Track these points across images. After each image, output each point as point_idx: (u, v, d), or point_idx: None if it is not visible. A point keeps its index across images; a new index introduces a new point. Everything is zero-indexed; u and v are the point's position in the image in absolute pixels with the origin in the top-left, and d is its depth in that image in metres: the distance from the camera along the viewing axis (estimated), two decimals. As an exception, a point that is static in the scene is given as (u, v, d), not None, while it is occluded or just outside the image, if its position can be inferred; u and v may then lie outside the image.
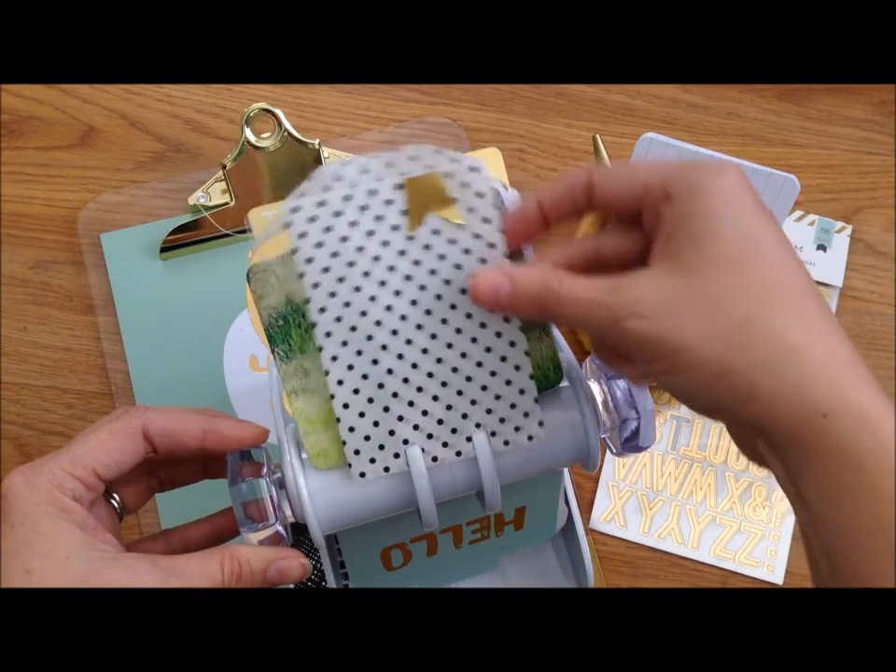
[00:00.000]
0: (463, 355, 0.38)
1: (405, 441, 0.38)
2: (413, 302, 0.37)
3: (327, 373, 0.37)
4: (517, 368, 0.38)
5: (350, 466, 0.38)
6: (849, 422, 0.29)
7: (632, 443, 0.40)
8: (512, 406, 0.38)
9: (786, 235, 0.33)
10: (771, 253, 0.32)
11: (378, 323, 0.37)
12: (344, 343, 0.37)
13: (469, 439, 0.38)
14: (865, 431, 0.29)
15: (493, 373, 0.38)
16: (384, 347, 0.37)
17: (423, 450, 0.38)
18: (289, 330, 0.38)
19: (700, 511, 0.61)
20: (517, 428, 0.38)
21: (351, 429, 0.38)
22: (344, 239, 0.37)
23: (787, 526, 0.61)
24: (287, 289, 0.38)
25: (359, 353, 0.37)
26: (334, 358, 0.37)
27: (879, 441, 0.29)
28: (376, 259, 0.37)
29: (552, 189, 0.36)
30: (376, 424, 0.38)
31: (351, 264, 0.37)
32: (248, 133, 0.62)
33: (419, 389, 0.38)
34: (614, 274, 0.33)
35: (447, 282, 0.37)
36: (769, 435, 0.31)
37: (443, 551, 0.47)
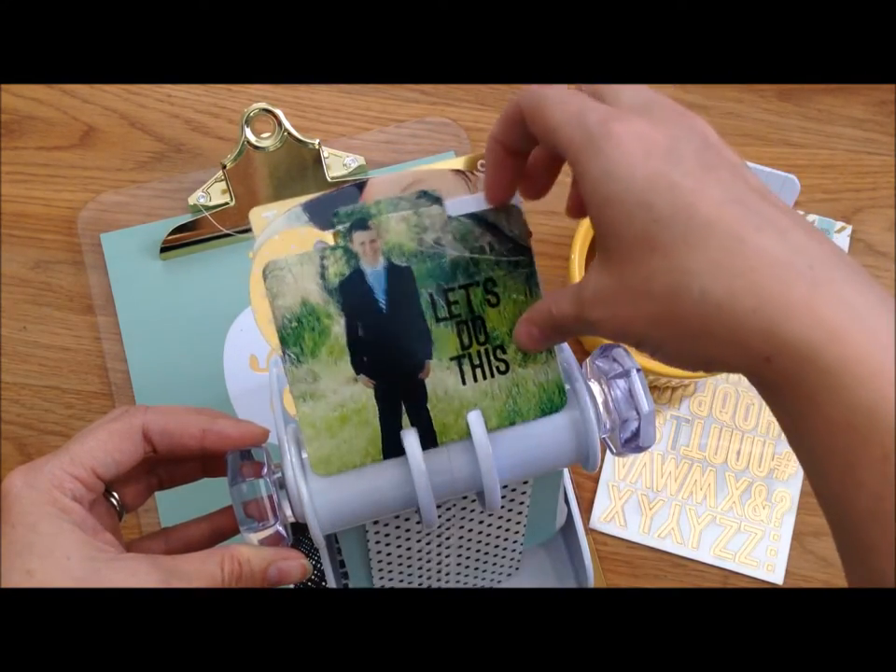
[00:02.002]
0: None
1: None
2: None
3: None
4: None
5: None
6: (790, 363, 0.29)
7: (632, 444, 0.40)
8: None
9: (703, 154, 0.32)
10: (672, 216, 0.30)
11: None
12: None
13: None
14: (809, 368, 0.29)
15: None
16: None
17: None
18: (302, 333, 0.38)
19: (700, 511, 0.61)
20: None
21: None
22: None
23: (787, 526, 0.61)
24: (303, 290, 0.38)
25: None
26: None
27: (822, 373, 0.29)
28: None
29: (499, 123, 0.37)
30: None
31: None
32: (248, 132, 0.62)
33: None
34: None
35: None
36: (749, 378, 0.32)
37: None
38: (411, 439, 0.38)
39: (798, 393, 0.29)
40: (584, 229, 0.59)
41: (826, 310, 0.29)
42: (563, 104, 0.33)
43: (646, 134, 0.32)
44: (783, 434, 0.32)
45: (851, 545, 0.30)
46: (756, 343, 0.30)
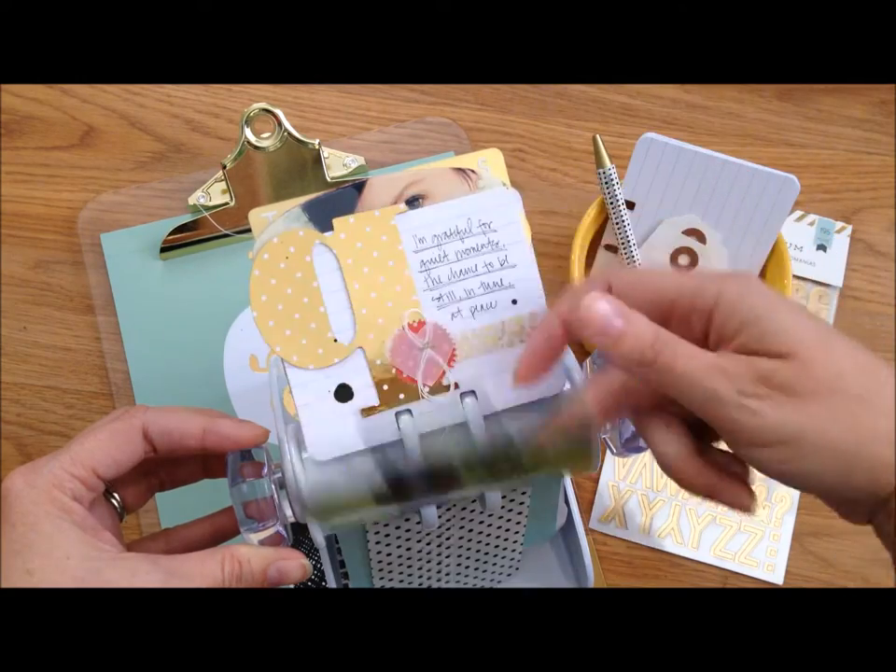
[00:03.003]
0: None
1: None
2: None
3: None
4: None
5: None
6: None
7: (632, 444, 0.40)
8: None
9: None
10: (840, 337, 0.33)
11: None
12: None
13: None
14: None
15: None
16: None
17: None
18: None
19: (700, 511, 0.61)
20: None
21: None
22: None
23: (787, 526, 0.61)
24: None
25: None
26: None
27: None
28: None
29: (571, 301, 0.36)
30: None
31: None
32: (248, 133, 0.62)
33: None
34: None
35: None
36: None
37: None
38: (409, 431, 0.38)
39: None
40: (584, 229, 0.59)
41: None
42: (666, 270, 0.37)
43: (759, 280, 0.35)
44: None
45: None
46: None
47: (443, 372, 0.39)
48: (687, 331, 0.34)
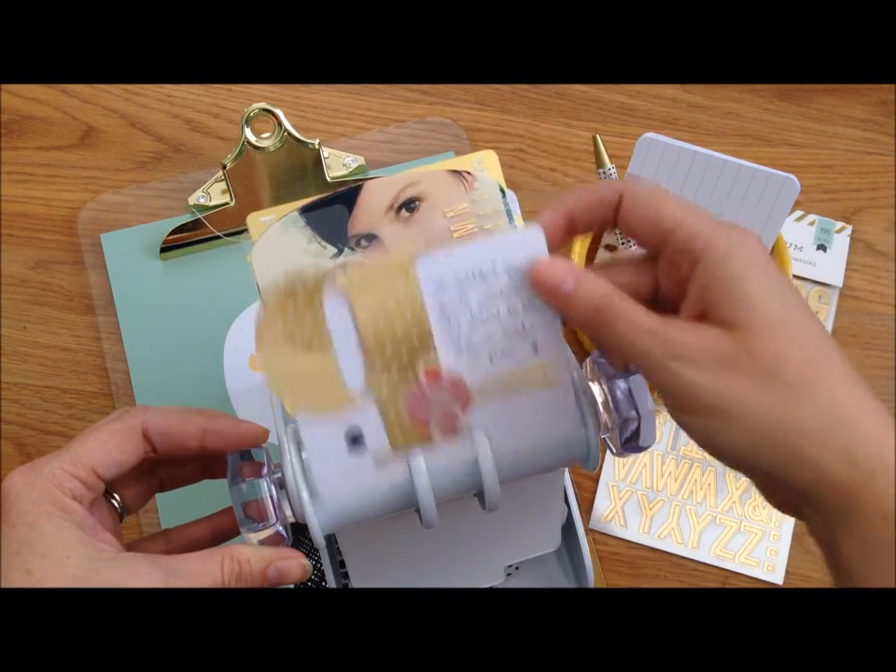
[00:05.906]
0: None
1: None
2: None
3: None
4: None
5: None
6: (891, 485, 0.30)
7: (632, 443, 0.40)
8: None
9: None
10: (808, 320, 0.32)
11: None
12: None
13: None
14: None
15: None
16: None
17: None
18: None
19: (700, 510, 0.61)
20: None
21: None
22: None
23: (787, 526, 0.61)
24: None
25: None
26: None
27: None
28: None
29: (582, 198, 0.36)
30: None
31: None
32: (248, 133, 0.62)
33: None
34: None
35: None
36: (814, 497, 0.31)
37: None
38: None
39: (888, 517, 0.30)
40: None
41: None
42: (679, 200, 0.34)
43: (758, 244, 0.34)
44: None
45: None
46: (868, 463, 0.30)
47: (457, 418, 0.39)
48: (674, 269, 0.34)
